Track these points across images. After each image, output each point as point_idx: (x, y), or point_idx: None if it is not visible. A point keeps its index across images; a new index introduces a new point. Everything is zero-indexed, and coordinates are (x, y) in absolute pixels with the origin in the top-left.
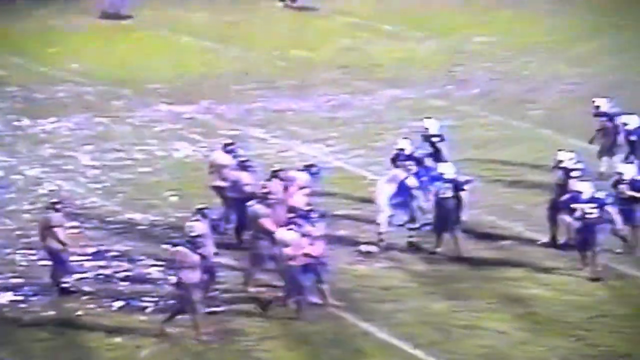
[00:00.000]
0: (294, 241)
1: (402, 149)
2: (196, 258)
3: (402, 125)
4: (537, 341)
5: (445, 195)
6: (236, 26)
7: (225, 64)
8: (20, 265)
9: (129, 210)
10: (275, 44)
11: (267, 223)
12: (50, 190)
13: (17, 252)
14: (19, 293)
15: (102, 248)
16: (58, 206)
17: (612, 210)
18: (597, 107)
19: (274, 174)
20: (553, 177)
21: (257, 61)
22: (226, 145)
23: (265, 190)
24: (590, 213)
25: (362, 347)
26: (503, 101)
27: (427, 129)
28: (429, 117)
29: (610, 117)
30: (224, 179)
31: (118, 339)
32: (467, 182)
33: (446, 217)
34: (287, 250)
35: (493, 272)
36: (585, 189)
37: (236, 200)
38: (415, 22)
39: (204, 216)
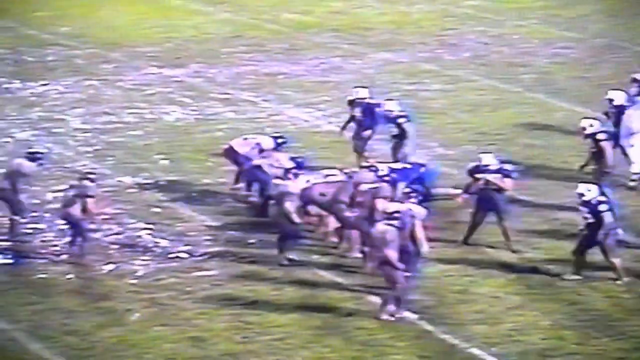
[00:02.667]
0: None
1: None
2: (395, 234)
3: (394, 89)
4: (530, 305)
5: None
6: None
7: (216, 27)
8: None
9: (119, 173)
10: (265, 7)
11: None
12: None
13: (6, 215)
14: (8, 256)
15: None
16: (92, 177)
17: (607, 217)
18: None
19: (366, 167)
20: (584, 145)
21: (247, 24)
22: (276, 137)
23: (384, 173)
24: (586, 218)
25: (354, 310)
26: (494, 65)
27: (391, 110)
28: (391, 99)
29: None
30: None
31: (108, 303)
32: (514, 171)
33: (495, 209)
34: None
35: (485, 236)
36: (584, 190)
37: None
38: None
39: None
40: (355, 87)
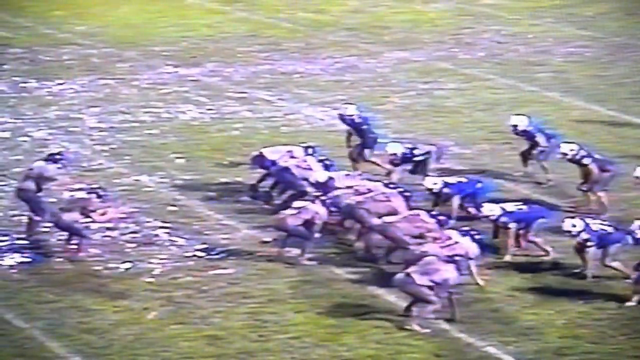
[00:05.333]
0: None
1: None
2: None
3: (409, 87)
4: (546, 304)
5: None
6: None
7: (232, 26)
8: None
9: (135, 172)
10: (281, 6)
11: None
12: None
13: (24, 213)
14: (26, 255)
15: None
16: (101, 192)
17: (591, 252)
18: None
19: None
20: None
21: (263, 23)
22: (306, 147)
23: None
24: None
25: (370, 308)
26: (510, 64)
27: (350, 115)
28: (349, 103)
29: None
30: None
31: (125, 301)
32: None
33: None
34: None
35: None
36: (569, 227)
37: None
38: None
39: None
40: (345, 103)
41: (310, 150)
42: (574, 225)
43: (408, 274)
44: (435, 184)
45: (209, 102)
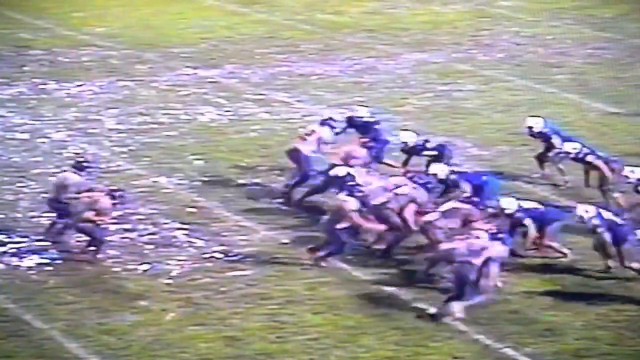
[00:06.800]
0: None
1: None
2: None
3: (428, 89)
4: (564, 306)
5: None
6: None
7: (250, 27)
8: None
9: (154, 173)
10: (299, 8)
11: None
12: (76, 154)
13: (43, 215)
14: (45, 256)
15: (127, 211)
16: (116, 194)
17: (606, 237)
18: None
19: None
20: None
21: (281, 25)
22: (363, 142)
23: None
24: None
25: (389, 310)
26: (528, 65)
27: (361, 117)
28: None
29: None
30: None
31: (143, 303)
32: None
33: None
34: None
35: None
36: (582, 212)
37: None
38: None
39: None
40: (359, 105)
41: (367, 145)
42: (587, 211)
43: (469, 262)
44: (442, 170)
45: (228, 103)
